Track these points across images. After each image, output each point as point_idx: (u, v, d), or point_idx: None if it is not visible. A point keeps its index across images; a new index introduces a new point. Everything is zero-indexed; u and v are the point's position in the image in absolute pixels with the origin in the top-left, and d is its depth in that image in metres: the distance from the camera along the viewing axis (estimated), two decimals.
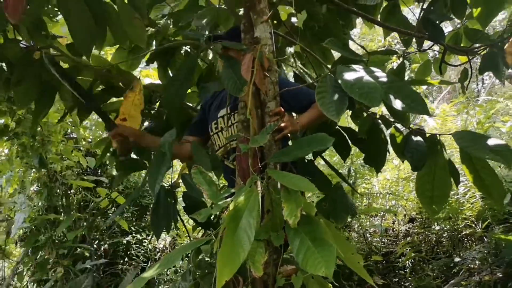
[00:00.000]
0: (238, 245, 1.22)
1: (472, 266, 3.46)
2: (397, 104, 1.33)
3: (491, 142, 1.41)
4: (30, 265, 3.68)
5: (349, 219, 4.52)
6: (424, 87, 6.97)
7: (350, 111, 2.07)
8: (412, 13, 2.32)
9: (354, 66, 1.43)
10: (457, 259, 3.60)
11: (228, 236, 1.24)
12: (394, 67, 2.46)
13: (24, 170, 3.47)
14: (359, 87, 1.32)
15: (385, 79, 1.35)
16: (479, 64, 2.16)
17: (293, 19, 2.12)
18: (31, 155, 3.19)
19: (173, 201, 1.97)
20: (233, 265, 1.19)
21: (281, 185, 1.39)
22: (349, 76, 1.37)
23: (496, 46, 1.97)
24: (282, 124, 1.57)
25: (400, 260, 4.03)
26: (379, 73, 1.38)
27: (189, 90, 2.51)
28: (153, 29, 2.36)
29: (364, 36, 7.78)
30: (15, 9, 1.22)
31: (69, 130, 3.94)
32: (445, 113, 4.66)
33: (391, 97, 1.33)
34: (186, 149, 1.92)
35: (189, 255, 1.88)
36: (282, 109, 1.59)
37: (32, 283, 3.80)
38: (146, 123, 2.39)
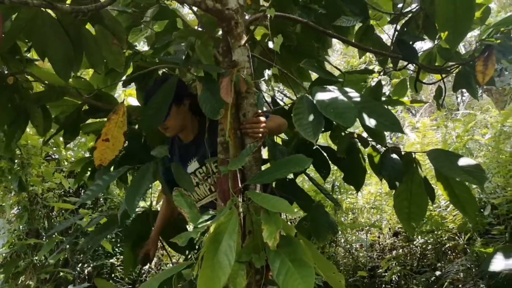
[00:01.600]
0: (218, 268, 1.23)
1: (457, 278, 3.50)
2: (372, 122, 1.37)
3: (463, 162, 1.45)
4: None
5: None
6: None
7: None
8: (386, 34, 2.39)
9: (329, 87, 1.47)
10: (438, 273, 3.63)
11: (208, 259, 1.24)
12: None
13: (2, 194, 3.41)
14: (334, 108, 1.35)
15: (358, 99, 1.39)
16: (453, 81, 2.23)
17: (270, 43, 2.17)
18: (10, 179, 3.14)
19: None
20: None
21: (261, 207, 1.39)
22: (323, 96, 1.40)
23: (467, 64, 2.05)
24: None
25: (386, 274, 4.05)
26: (352, 93, 1.42)
27: None
28: (130, 51, 2.39)
29: (346, 52, 7.93)
30: None
31: (50, 152, 3.90)
32: (425, 127, 4.75)
33: (365, 116, 1.36)
34: (169, 210, 2.25)
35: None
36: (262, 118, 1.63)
37: None
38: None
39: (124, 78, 2.15)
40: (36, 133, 3.27)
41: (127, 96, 3.93)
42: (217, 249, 1.26)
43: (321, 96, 1.40)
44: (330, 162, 2.08)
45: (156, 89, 1.79)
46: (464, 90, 2.36)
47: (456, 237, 3.96)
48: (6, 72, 1.94)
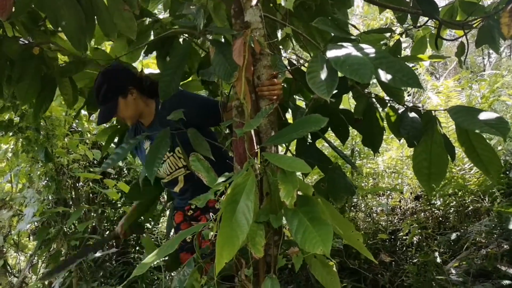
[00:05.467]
0: (236, 227, 1.25)
1: (479, 239, 3.47)
2: (388, 78, 1.33)
3: (485, 115, 1.40)
4: (43, 257, 3.77)
5: (355, 199, 4.54)
6: (427, 63, 6.89)
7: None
8: None
9: (344, 44, 1.42)
10: (456, 234, 3.61)
11: (227, 219, 1.27)
12: None
13: (30, 165, 3.53)
14: (349, 64, 1.31)
15: (374, 55, 1.35)
16: (476, 37, 2.14)
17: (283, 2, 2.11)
18: (36, 149, 3.25)
19: None
20: (232, 247, 1.22)
21: (278, 167, 1.40)
22: (338, 53, 1.36)
23: (491, 18, 1.95)
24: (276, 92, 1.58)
25: (407, 237, 4.06)
26: (368, 49, 1.37)
27: (190, 79, 2.55)
28: (150, 19, 2.37)
29: (366, 15, 7.69)
30: (3, 7, 1.23)
31: (74, 124, 3.99)
32: (448, 89, 4.61)
33: (380, 71, 1.32)
34: None
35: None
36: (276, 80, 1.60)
37: None
38: None
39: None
40: (60, 105, 3.35)
41: (145, 66, 3.95)
42: (235, 209, 1.27)
43: (335, 53, 1.36)
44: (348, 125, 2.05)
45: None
46: (491, 51, 2.26)
47: (480, 200, 3.90)
48: (31, 42, 1.98)
